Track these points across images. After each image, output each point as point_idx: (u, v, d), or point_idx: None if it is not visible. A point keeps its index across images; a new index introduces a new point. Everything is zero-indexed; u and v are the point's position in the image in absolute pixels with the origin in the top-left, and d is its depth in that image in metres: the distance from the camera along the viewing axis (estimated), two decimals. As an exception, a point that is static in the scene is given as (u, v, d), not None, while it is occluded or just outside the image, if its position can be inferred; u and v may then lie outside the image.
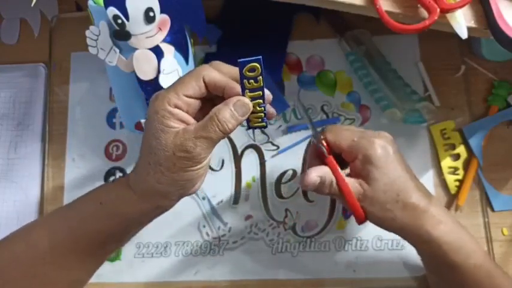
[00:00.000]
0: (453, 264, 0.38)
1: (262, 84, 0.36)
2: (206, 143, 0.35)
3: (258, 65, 0.35)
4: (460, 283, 0.39)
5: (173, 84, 0.36)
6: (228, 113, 0.35)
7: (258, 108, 0.37)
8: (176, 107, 0.35)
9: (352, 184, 0.39)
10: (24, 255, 0.40)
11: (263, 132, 0.53)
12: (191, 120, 0.36)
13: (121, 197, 0.39)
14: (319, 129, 0.42)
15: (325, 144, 0.41)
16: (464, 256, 0.38)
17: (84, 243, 0.40)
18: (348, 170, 0.41)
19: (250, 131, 0.53)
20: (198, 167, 0.36)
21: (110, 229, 0.40)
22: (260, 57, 0.35)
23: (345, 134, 0.40)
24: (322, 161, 0.41)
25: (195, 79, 0.35)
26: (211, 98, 0.37)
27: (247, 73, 0.35)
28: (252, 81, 0.35)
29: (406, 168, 0.40)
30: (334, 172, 0.39)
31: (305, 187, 0.40)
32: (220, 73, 0.36)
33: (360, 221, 0.40)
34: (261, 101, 0.37)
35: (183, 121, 0.35)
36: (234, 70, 0.36)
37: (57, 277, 0.41)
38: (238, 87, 0.36)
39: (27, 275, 0.40)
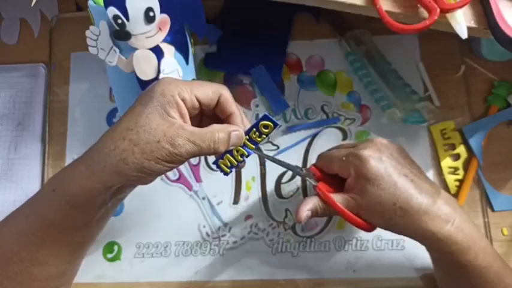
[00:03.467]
0: (461, 264, 0.38)
1: (261, 141, 0.39)
2: (193, 150, 0.35)
3: (272, 127, 0.38)
4: (468, 283, 0.39)
5: (190, 81, 0.37)
6: (226, 136, 0.36)
7: (239, 158, 0.39)
8: (183, 100, 0.35)
9: (344, 200, 0.39)
10: None
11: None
12: (188, 119, 0.36)
13: (69, 176, 0.37)
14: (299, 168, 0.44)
15: (317, 174, 0.43)
16: (473, 256, 0.37)
17: (48, 234, 0.38)
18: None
19: None
20: (170, 165, 0.35)
21: (68, 215, 0.38)
22: (279, 124, 0.39)
23: (333, 156, 0.41)
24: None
25: (212, 91, 0.37)
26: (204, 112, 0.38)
27: (261, 127, 0.38)
28: (257, 134, 0.38)
29: (404, 169, 0.39)
30: (323, 197, 0.40)
31: (300, 223, 0.42)
32: (233, 99, 0.38)
33: (368, 230, 0.40)
34: (246, 153, 0.39)
35: (182, 116, 0.35)
36: (238, 110, 0.39)
37: (32, 275, 0.40)
38: (242, 121, 0.38)
39: (2, 275, 0.39)
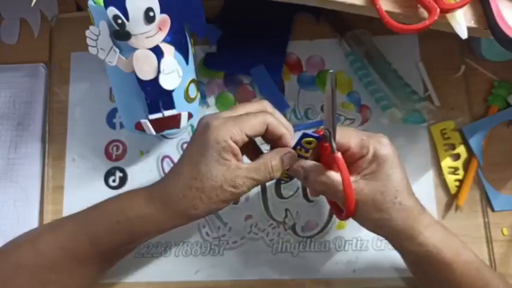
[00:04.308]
0: (445, 261, 0.38)
1: (309, 156, 0.40)
2: (253, 184, 0.38)
3: (316, 142, 0.39)
4: (451, 281, 0.39)
5: (238, 119, 0.38)
6: (280, 163, 0.39)
7: None
8: (235, 142, 0.37)
9: (352, 179, 0.39)
10: (32, 262, 0.40)
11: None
12: (240, 156, 0.39)
13: (141, 217, 0.39)
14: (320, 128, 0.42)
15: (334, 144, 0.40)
16: (455, 253, 0.38)
17: (97, 256, 0.41)
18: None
19: None
20: (231, 201, 0.39)
21: (122, 244, 0.41)
22: (321, 137, 0.39)
23: (352, 133, 0.40)
24: (319, 159, 0.40)
25: (261, 123, 0.38)
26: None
27: (305, 144, 0.39)
28: (303, 150, 0.40)
29: (404, 171, 0.40)
30: (342, 169, 0.37)
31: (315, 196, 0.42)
32: (278, 122, 0.39)
33: (347, 216, 0.39)
34: None
35: (235, 155, 0.38)
36: (284, 119, 0.41)
37: (67, 284, 0.42)
38: (292, 141, 0.40)
39: (34, 282, 0.40)
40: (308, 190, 0.51)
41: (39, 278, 0.40)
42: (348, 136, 0.40)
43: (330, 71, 0.35)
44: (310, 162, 0.40)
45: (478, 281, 0.39)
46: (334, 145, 0.38)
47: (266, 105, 0.41)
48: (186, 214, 0.39)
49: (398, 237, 0.39)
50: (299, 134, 0.40)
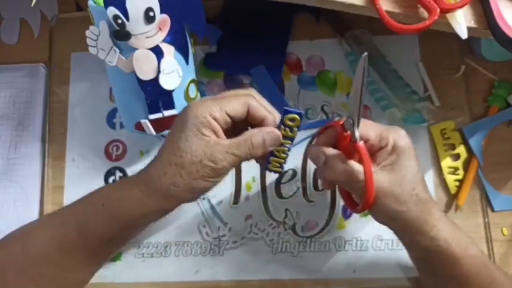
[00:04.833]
0: (454, 256, 0.38)
1: (295, 135, 0.39)
2: (233, 160, 0.37)
3: (298, 118, 0.38)
4: (459, 277, 0.39)
5: (219, 98, 0.38)
6: (261, 139, 0.38)
7: (282, 155, 0.41)
8: (215, 119, 0.37)
9: (375, 172, 0.38)
10: (22, 256, 0.40)
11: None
12: (222, 134, 0.38)
13: (124, 198, 0.39)
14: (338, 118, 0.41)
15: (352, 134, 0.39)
16: (463, 247, 0.38)
17: (85, 245, 0.40)
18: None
19: None
20: (217, 179, 0.38)
21: (111, 231, 0.40)
22: (303, 112, 0.39)
23: (371, 124, 0.40)
24: (338, 148, 0.39)
25: (241, 104, 0.38)
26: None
27: (287, 121, 0.38)
28: (288, 129, 0.39)
29: (419, 163, 0.40)
30: (365, 158, 0.37)
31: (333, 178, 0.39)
32: (261, 104, 0.39)
33: (364, 208, 0.38)
34: (286, 148, 0.40)
35: (215, 133, 0.37)
36: (268, 104, 0.40)
37: (57, 279, 0.41)
38: (275, 122, 0.39)
39: (25, 276, 0.40)
40: (320, 182, 0.50)
41: (29, 272, 0.40)
42: (367, 127, 0.39)
43: (364, 54, 0.33)
44: (332, 149, 0.39)
45: (486, 277, 0.39)
46: (357, 133, 0.37)
47: (252, 91, 0.40)
48: (168, 193, 0.37)
49: (411, 230, 0.39)
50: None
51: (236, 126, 0.39)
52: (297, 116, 0.38)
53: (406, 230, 0.39)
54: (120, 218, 0.39)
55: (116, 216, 0.39)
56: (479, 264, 0.39)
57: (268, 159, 0.41)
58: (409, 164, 0.38)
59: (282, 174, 0.41)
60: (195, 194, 0.39)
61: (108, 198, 0.40)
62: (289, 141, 0.40)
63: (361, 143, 0.37)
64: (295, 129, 0.39)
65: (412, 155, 0.39)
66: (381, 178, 0.38)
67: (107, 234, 0.40)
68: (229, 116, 0.38)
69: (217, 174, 0.38)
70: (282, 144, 0.40)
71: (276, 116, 0.39)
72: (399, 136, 0.39)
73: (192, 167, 0.36)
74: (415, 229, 0.38)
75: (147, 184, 0.38)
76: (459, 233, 0.40)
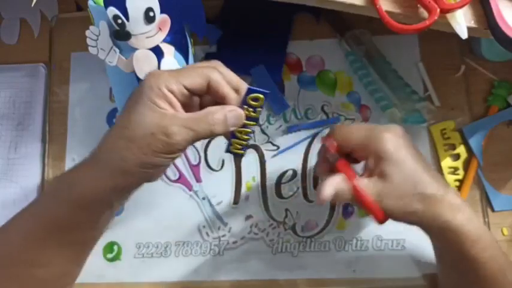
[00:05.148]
0: (469, 255, 0.37)
1: (258, 116, 0.38)
2: (190, 136, 0.35)
3: (262, 98, 0.37)
4: (472, 275, 0.38)
5: (177, 70, 0.36)
6: (222, 117, 0.36)
7: (245, 137, 0.39)
8: (171, 91, 0.35)
9: (367, 185, 0.38)
10: (2, 253, 0.39)
11: (263, 133, 0.53)
12: (180, 108, 0.36)
13: (76, 180, 0.37)
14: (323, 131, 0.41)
15: (335, 144, 0.40)
16: (480, 248, 0.37)
17: (52, 236, 0.39)
18: (360, 165, 0.40)
19: None
20: (170, 156, 0.35)
21: (73, 217, 0.38)
22: (268, 92, 0.36)
23: (353, 133, 0.40)
24: (332, 163, 0.40)
25: (201, 77, 0.36)
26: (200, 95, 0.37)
27: (250, 101, 0.37)
28: (251, 110, 0.37)
29: (420, 158, 0.39)
30: (348, 177, 0.38)
31: (322, 202, 0.38)
32: (224, 79, 0.36)
33: (381, 222, 0.38)
34: (249, 130, 0.38)
35: (172, 106, 0.35)
36: (235, 78, 0.37)
37: (36, 275, 0.40)
38: (237, 101, 0.37)
39: (4, 276, 0.39)
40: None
41: (8, 272, 0.39)
42: (347, 137, 0.39)
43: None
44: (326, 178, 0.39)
45: (500, 280, 0.38)
46: (331, 158, 0.39)
47: (217, 63, 0.38)
48: (118, 169, 0.35)
49: (427, 227, 0.38)
50: None
51: (203, 105, 0.38)
52: (260, 95, 0.37)
53: (422, 227, 0.39)
54: (74, 201, 0.37)
55: (70, 201, 0.37)
56: (495, 267, 0.38)
57: (229, 141, 0.39)
58: (400, 166, 0.37)
59: (242, 156, 0.39)
60: (147, 170, 0.35)
61: (63, 183, 0.38)
62: (253, 123, 0.38)
63: (341, 160, 0.39)
64: (259, 109, 0.37)
65: (401, 156, 0.37)
66: (380, 188, 0.37)
67: (70, 222, 0.38)
68: (187, 89, 0.35)
69: (171, 150, 0.35)
70: (244, 126, 0.38)
71: (242, 94, 0.37)
72: (381, 142, 0.38)
73: (142, 141, 0.34)
74: (429, 226, 0.38)
75: (97, 159, 0.36)
76: (480, 229, 0.38)
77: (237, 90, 0.37)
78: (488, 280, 0.38)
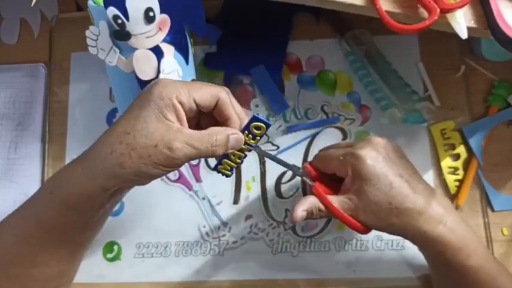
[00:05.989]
0: (453, 264, 0.38)
1: (256, 144, 0.38)
2: (192, 153, 0.35)
3: (264, 127, 0.37)
4: (460, 283, 0.39)
5: (188, 83, 0.36)
6: (225, 139, 0.36)
7: (237, 160, 0.39)
8: (181, 103, 0.35)
9: (341, 202, 0.39)
10: None
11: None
12: (185, 122, 0.36)
13: (68, 180, 0.36)
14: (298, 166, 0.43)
15: (313, 172, 0.42)
16: (464, 257, 0.38)
17: (46, 236, 0.38)
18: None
19: None
20: (168, 169, 0.35)
21: (66, 217, 0.38)
22: (271, 124, 0.37)
23: (331, 155, 0.41)
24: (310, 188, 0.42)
25: (211, 94, 0.36)
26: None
27: (253, 128, 0.37)
28: (250, 136, 0.38)
29: (402, 168, 0.39)
30: (320, 198, 0.40)
31: (294, 223, 0.41)
32: (230, 102, 0.37)
33: (362, 233, 0.40)
34: (243, 155, 0.39)
35: (179, 119, 0.35)
36: (239, 107, 0.38)
37: (33, 275, 0.40)
38: (239, 125, 0.38)
39: (1, 279, 0.39)
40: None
41: (3, 273, 0.39)
42: (327, 161, 0.41)
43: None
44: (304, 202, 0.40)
45: (488, 286, 0.38)
46: (307, 180, 0.42)
47: (226, 88, 0.38)
48: (112, 173, 0.34)
49: (408, 238, 0.39)
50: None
51: (199, 122, 0.38)
52: (263, 125, 0.37)
53: (404, 237, 0.40)
54: (66, 202, 0.36)
55: (62, 202, 0.36)
56: (482, 275, 0.38)
57: (220, 160, 0.39)
58: (376, 184, 0.38)
59: (228, 177, 0.40)
60: (141, 179, 0.35)
61: (55, 183, 0.38)
62: (249, 148, 0.38)
63: (314, 185, 0.41)
64: (258, 138, 0.38)
65: (375, 173, 0.38)
66: (357, 205, 0.38)
67: (61, 222, 0.38)
68: (196, 103, 0.35)
69: (170, 164, 0.34)
70: (240, 150, 0.38)
71: (243, 121, 0.38)
72: (356, 161, 0.38)
73: (144, 151, 0.33)
74: (409, 237, 0.39)
75: (91, 160, 0.35)
76: (463, 239, 0.38)
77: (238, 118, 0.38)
78: (475, 285, 0.38)
